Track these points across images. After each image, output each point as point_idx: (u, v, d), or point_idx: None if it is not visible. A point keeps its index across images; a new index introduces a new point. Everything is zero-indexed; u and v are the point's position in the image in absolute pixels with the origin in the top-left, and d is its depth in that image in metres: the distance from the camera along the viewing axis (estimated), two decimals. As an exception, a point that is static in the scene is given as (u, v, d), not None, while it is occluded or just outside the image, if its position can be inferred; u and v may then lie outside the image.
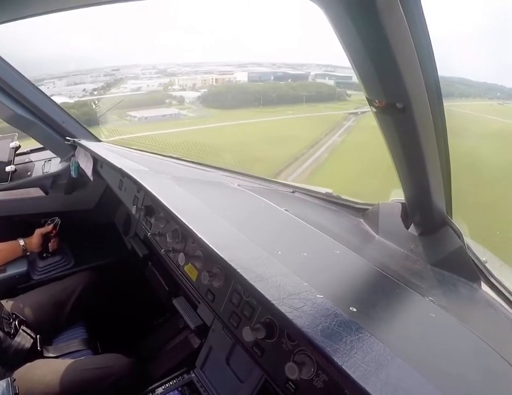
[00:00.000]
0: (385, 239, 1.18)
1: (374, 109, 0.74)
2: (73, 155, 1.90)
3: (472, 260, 1.02)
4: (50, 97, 1.75)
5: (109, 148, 1.89)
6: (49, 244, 1.74)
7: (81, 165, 1.83)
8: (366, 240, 1.20)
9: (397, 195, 1.17)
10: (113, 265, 1.90)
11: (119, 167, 1.32)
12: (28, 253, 1.68)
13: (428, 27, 0.63)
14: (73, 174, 1.89)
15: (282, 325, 0.74)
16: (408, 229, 1.13)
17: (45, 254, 1.76)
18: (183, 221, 0.91)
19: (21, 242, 1.64)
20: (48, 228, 1.74)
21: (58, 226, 1.79)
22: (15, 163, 1.84)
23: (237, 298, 0.88)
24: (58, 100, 1.88)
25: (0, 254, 1.59)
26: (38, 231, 1.71)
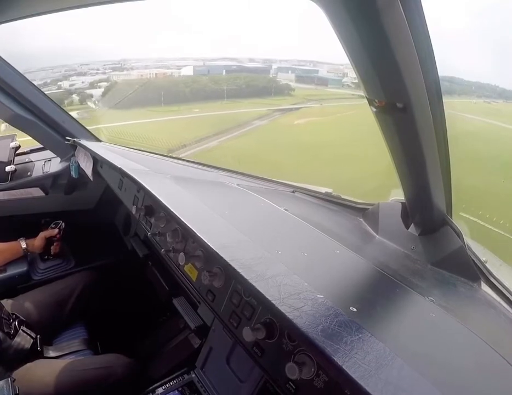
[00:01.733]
0: (385, 239, 1.18)
1: (374, 109, 0.74)
2: (73, 155, 1.90)
3: (472, 260, 1.03)
4: (50, 97, 1.75)
5: (109, 148, 1.89)
6: (52, 247, 1.74)
7: (81, 165, 1.83)
8: (366, 239, 1.20)
9: (397, 195, 1.17)
10: (113, 265, 1.90)
11: (119, 166, 1.32)
12: (28, 253, 1.68)
13: (428, 27, 0.63)
14: (73, 174, 1.89)
15: (282, 325, 0.74)
16: (408, 229, 1.13)
17: (46, 257, 1.76)
18: (183, 221, 0.91)
19: (23, 243, 1.63)
20: (53, 232, 1.74)
21: (62, 231, 1.78)
22: (15, 163, 1.84)
23: (237, 298, 0.88)
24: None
25: (1, 255, 1.59)
26: (42, 234, 1.71)
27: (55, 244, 1.74)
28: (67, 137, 1.84)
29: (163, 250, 1.19)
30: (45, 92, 1.72)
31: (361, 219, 1.30)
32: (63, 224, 1.79)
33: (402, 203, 1.15)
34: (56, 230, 1.75)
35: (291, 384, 0.72)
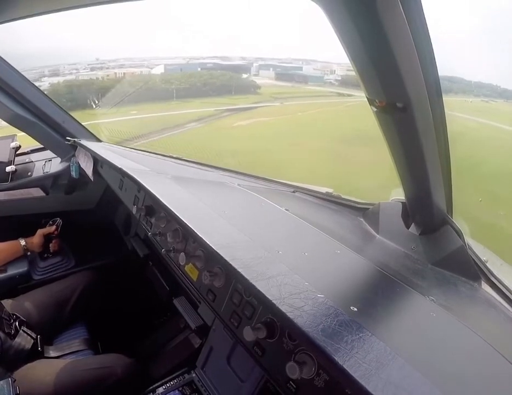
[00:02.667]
0: (386, 238, 1.18)
1: (375, 109, 0.74)
2: (74, 155, 1.90)
3: (473, 259, 1.03)
4: (50, 97, 1.75)
5: (109, 148, 1.89)
6: (50, 245, 1.74)
7: (81, 165, 1.83)
8: (367, 239, 1.20)
9: (398, 195, 1.17)
10: (113, 265, 1.90)
11: (119, 166, 1.32)
12: (28, 253, 1.68)
13: (428, 27, 0.63)
14: (73, 174, 1.89)
15: (283, 324, 0.74)
16: (408, 228, 1.13)
17: (46, 255, 1.76)
18: (184, 221, 0.91)
19: (22, 242, 1.64)
20: (50, 229, 1.75)
21: (60, 227, 1.79)
22: (15, 163, 1.84)
23: (237, 298, 0.88)
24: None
25: (1, 254, 1.59)
26: (40, 232, 1.72)
27: (53, 241, 1.75)
28: (68, 138, 1.84)
29: (163, 250, 1.19)
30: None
31: (361, 219, 1.30)
32: (60, 220, 1.81)
33: (402, 202, 1.15)
34: (54, 227, 1.77)
35: (292, 384, 0.72)
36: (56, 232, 1.77)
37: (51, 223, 1.80)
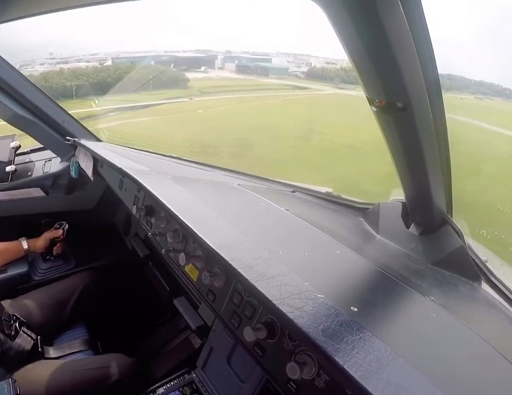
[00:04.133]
0: (386, 238, 1.18)
1: (375, 109, 0.74)
2: (73, 155, 1.90)
3: (473, 259, 1.03)
4: (50, 97, 1.75)
5: (109, 148, 1.89)
6: (54, 248, 1.74)
7: (81, 165, 1.83)
8: (367, 239, 1.20)
9: (398, 195, 1.17)
10: (113, 265, 1.90)
11: (119, 166, 1.32)
12: (29, 254, 1.68)
13: (428, 27, 0.63)
14: (73, 174, 1.89)
15: (283, 324, 0.74)
16: (408, 229, 1.13)
17: (48, 257, 1.76)
18: (184, 221, 0.91)
19: (24, 243, 1.63)
20: (57, 233, 1.74)
21: (66, 231, 1.78)
22: (15, 163, 1.84)
23: (238, 298, 0.88)
24: None
25: (3, 255, 1.58)
26: (46, 235, 1.70)
27: (57, 245, 1.74)
28: (67, 137, 1.84)
29: (163, 250, 1.19)
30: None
31: (361, 219, 1.30)
32: (66, 224, 1.79)
33: (402, 203, 1.15)
34: (61, 231, 1.75)
35: (292, 384, 0.72)
36: (62, 237, 1.76)
37: (57, 226, 1.77)
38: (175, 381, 1.26)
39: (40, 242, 1.68)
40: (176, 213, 0.95)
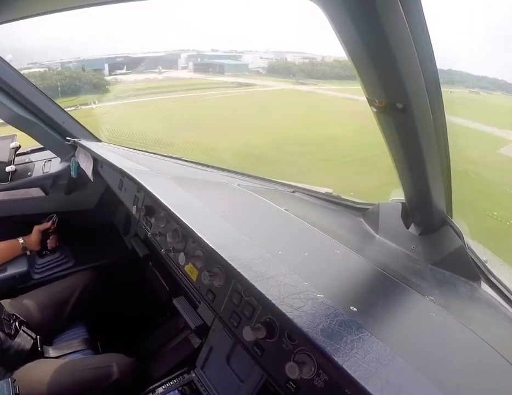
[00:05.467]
0: (385, 239, 1.18)
1: (375, 110, 0.74)
2: (73, 155, 1.90)
3: (472, 259, 1.03)
4: (50, 98, 1.75)
5: (109, 148, 1.89)
6: (48, 241, 1.75)
7: (81, 166, 1.83)
8: (366, 239, 1.20)
9: (397, 195, 1.17)
10: (113, 265, 1.90)
11: (119, 167, 1.32)
12: (28, 253, 1.68)
13: (428, 27, 0.63)
14: (73, 174, 1.89)
15: (283, 324, 0.74)
16: (408, 229, 1.13)
17: (44, 252, 1.77)
18: (184, 221, 0.91)
19: (20, 240, 1.65)
20: (47, 225, 1.76)
21: (56, 223, 1.80)
22: (15, 163, 1.84)
23: (237, 298, 0.89)
24: None
25: (0, 253, 1.59)
26: (36, 228, 1.72)
27: (51, 237, 1.76)
28: (67, 138, 1.84)
29: (163, 250, 1.19)
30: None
31: (361, 219, 1.30)
32: (56, 217, 1.82)
33: (402, 203, 1.15)
34: (50, 223, 1.77)
35: (292, 384, 0.72)
36: (52, 228, 1.77)
37: (47, 219, 1.80)
38: (175, 381, 1.26)
39: (33, 236, 1.70)
40: (175, 213, 0.95)
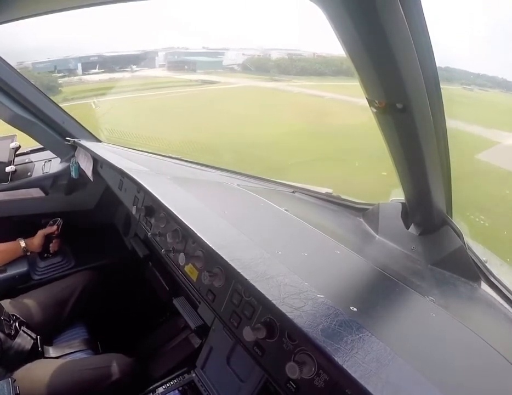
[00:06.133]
0: (385, 239, 1.18)
1: (374, 110, 0.74)
2: (73, 155, 1.90)
3: (472, 259, 1.03)
4: (50, 98, 1.75)
5: (109, 148, 1.89)
6: (50, 245, 1.74)
7: (81, 166, 1.83)
8: (366, 239, 1.20)
9: (397, 195, 1.17)
10: (113, 265, 1.90)
11: (119, 167, 1.32)
12: (28, 253, 1.68)
13: (428, 27, 0.63)
14: (73, 174, 1.89)
15: (283, 324, 0.74)
16: (408, 229, 1.13)
17: (46, 255, 1.76)
18: (184, 221, 0.91)
19: (22, 242, 1.64)
20: (51, 229, 1.74)
21: (60, 227, 1.79)
22: (15, 163, 1.84)
23: (237, 298, 0.89)
24: None
25: (1, 255, 1.59)
26: (41, 232, 1.71)
27: (53, 241, 1.75)
28: (67, 138, 1.84)
29: (163, 250, 1.19)
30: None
31: (361, 219, 1.30)
32: (61, 220, 1.80)
33: (402, 203, 1.15)
34: (55, 227, 1.76)
35: (292, 384, 0.72)
36: (56, 233, 1.76)
37: (51, 222, 1.79)
38: (175, 381, 1.26)
39: (36, 239, 1.68)
40: (175, 214, 0.95)
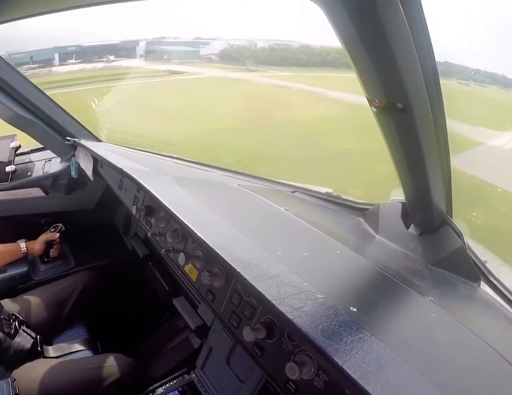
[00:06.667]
0: (385, 239, 1.18)
1: (374, 109, 0.74)
2: (73, 155, 1.90)
3: (472, 259, 1.03)
4: (50, 97, 1.75)
5: (109, 148, 1.89)
6: (51, 250, 1.73)
7: (81, 165, 1.83)
8: (366, 239, 1.20)
9: (397, 195, 1.17)
10: (113, 265, 1.90)
11: (119, 166, 1.32)
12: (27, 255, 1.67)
13: (428, 27, 0.63)
14: (73, 174, 1.89)
15: (282, 325, 0.74)
16: (408, 229, 1.13)
17: (46, 259, 1.76)
18: (184, 221, 0.91)
19: (22, 245, 1.61)
20: (54, 236, 1.73)
21: (63, 233, 1.77)
22: (15, 163, 1.84)
23: (237, 298, 0.88)
24: None
25: (1, 256, 1.58)
26: (42, 238, 1.69)
27: (54, 247, 1.74)
28: (67, 138, 1.84)
29: (163, 250, 1.19)
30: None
31: (361, 219, 1.30)
32: (62, 226, 1.79)
33: (402, 203, 1.15)
34: (57, 234, 1.74)
35: (292, 384, 0.72)
36: (58, 240, 1.75)
37: (52, 230, 1.76)
38: (174, 381, 1.26)
39: (38, 245, 1.66)
40: (175, 213, 0.95)
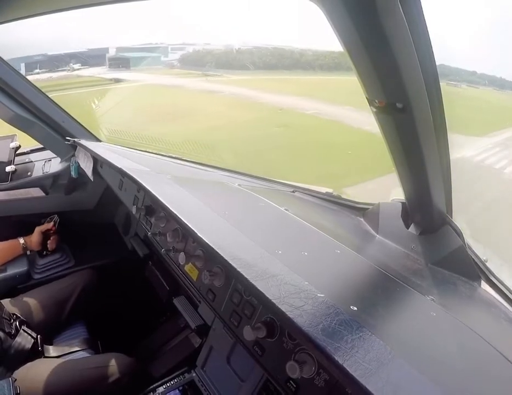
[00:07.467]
0: (385, 238, 1.18)
1: (374, 109, 0.74)
2: (73, 155, 1.90)
3: (473, 259, 1.03)
4: (50, 97, 1.75)
5: (109, 148, 1.89)
6: (48, 242, 1.74)
7: (81, 165, 1.83)
8: (366, 239, 1.21)
9: (397, 195, 1.17)
10: (113, 265, 1.90)
11: (119, 166, 1.31)
12: (28, 253, 1.68)
13: (428, 27, 0.63)
14: (73, 174, 1.89)
15: (283, 324, 0.74)
16: (408, 228, 1.13)
17: (44, 252, 1.77)
18: (184, 220, 0.91)
19: (21, 240, 1.64)
20: (48, 225, 1.75)
21: (57, 224, 1.80)
22: (15, 163, 1.84)
23: (237, 297, 0.89)
24: None
25: (1, 253, 1.59)
26: (38, 229, 1.72)
27: (51, 238, 1.75)
28: (67, 138, 1.84)
29: (163, 250, 1.19)
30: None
31: (361, 219, 1.30)
32: (57, 217, 1.81)
33: (402, 203, 1.15)
34: (51, 224, 1.77)
35: (292, 383, 0.72)
36: (53, 229, 1.77)
37: (48, 220, 1.80)
38: (175, 380, 1.26)
39: (34, 237, 1.69)
40: (175, 213, 0.95)
